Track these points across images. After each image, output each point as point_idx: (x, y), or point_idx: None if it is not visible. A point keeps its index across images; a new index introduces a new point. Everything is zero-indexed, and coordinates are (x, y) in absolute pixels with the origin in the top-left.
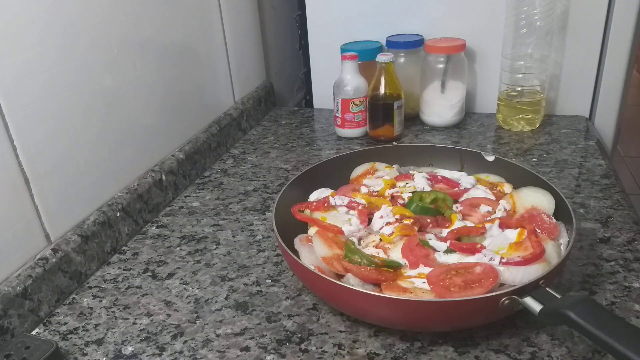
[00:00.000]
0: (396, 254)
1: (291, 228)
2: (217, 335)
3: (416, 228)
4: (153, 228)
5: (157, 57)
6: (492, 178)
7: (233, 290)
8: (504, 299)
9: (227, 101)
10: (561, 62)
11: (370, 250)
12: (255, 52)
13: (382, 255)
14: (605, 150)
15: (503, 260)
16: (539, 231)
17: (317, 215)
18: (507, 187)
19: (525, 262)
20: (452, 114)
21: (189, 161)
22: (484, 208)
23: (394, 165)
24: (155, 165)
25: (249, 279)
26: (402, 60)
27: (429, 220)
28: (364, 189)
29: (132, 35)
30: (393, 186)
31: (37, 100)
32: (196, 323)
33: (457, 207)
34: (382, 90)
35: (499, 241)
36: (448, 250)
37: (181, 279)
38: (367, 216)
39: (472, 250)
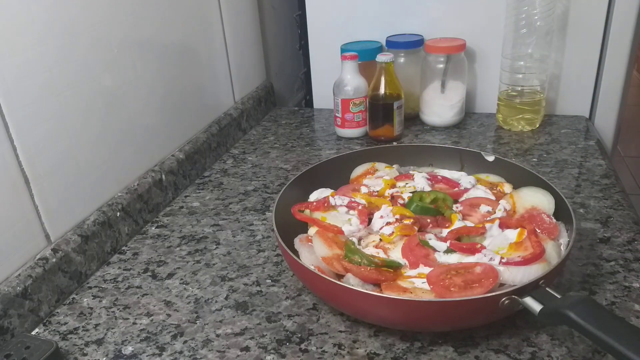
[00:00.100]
0: (396, 254)
1: (291, 228)
2: (217, 335)
3: (416, 228)
4: (153, 228)
5: (157, 57)
6: (492, 178)
7: (233, 290)
8: (504, 299)
9: (227, 101)
10: (561, 62)
11: (370, 250)
12: (255, 52)
13: (382, 255)
14: (605, 150)
15: (503, 260)
16: (539, 231)
17: (317, 215)
18: (507, 187)
19: (525, 262)
20: (452, 114)
21: (189, 161)
22: (484, 208)
23: (394, 165)
24: (155, 165)
25: (249, 279)
26: (402, 60)
27: (429, 220)
28: (364, 189)
29: (132, 35)
30: (393, 186)
31: (37, 100)
32: (196, 323)
33: (457, 207)
34: (382, 90)
35: (499, 241)
36: (448, 250)
37: (181, 279)
38: (367, 216)
39: (472, 250)
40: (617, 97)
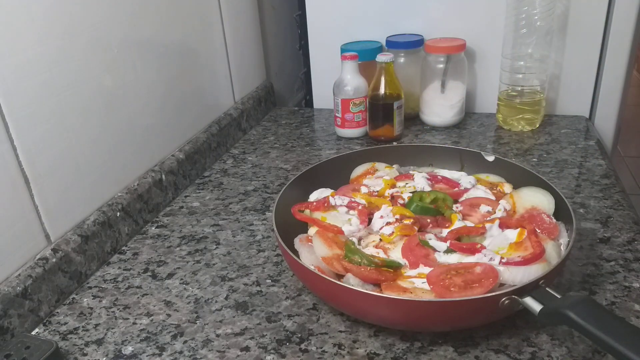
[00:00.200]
0: (396, 254)
1: (291, 228)
2: (217, 335)
3: (416, 228)
4: (153, 228)
5: (157, 57)
6: (492, 178)
7: (233, 290)
8: (504, 299)
9: (227, 101)
10: (561, 62)
11: (370, 250)
12: (255, 52)
13: (382, 255)
14: (605, 150)
15: (503, 260)
16: (539, 231)
17: (317, 215)
18: (507, 187)
19: (525, 262)
20: (452, 114)
21: (189, 161)
22: (484, 208)
23: (394, 165)
24: (155, 165)
25: (249, 279)
26: (402, 60)
27: (429, 220)
28: (364, 189)
29: (132, 35)
30: (393, 186)
31: (37, 100)
32: (196, 323)
33: (457, 207)
34: (382, 90)
35: (499, 241)
36: (448, 250)
37: (181, 279)
38: (367, 216)
39: (472, 250)
40: (617, 97)
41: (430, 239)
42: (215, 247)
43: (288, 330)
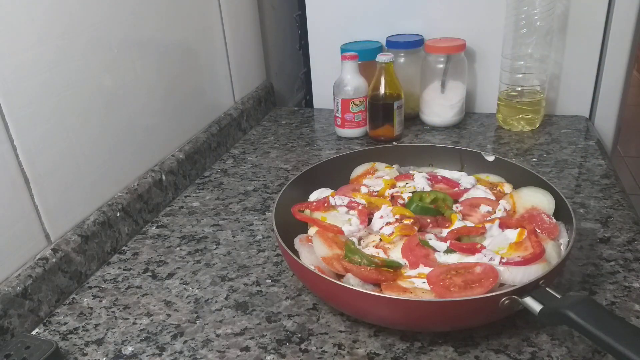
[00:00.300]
0: (396, 254)
1: (291, 228)
2: (217, 335)
3: (416, 228)
4: (153, 228)
5: (157, 57)
6: (492, 178)
7: (233, 290)
8: (504, 299)
9: (227, 101)
10: (561, 62)
11: (370, 250)
12: (255, 52)
13: (382, 255)
14: (605, 150)
15: (503, 260)
16: (539, 231)
17: (317, 215)
18: (507, 187)
19: (525, 262)
20: (452, 114)
21: (189, 161)
22: (484, 208)
23: (394, 165)
24: (155, 165)
25: (249, 279)
26: (402, 60)
27: (429, 220)
28: (364, 189)
29: (132, 35)
30: (393, 186)
31: (37, 100)
32: (196, 323)
33: (457, 207)
34: (382, 90)
35: (499, 241)
36: (448, 250)
37: (181, 279)
38: (367, 216)
39: (472, 250)
40: (617, 97)
41: (430, 239)
42: (215, 247)
43: (288, 330)
